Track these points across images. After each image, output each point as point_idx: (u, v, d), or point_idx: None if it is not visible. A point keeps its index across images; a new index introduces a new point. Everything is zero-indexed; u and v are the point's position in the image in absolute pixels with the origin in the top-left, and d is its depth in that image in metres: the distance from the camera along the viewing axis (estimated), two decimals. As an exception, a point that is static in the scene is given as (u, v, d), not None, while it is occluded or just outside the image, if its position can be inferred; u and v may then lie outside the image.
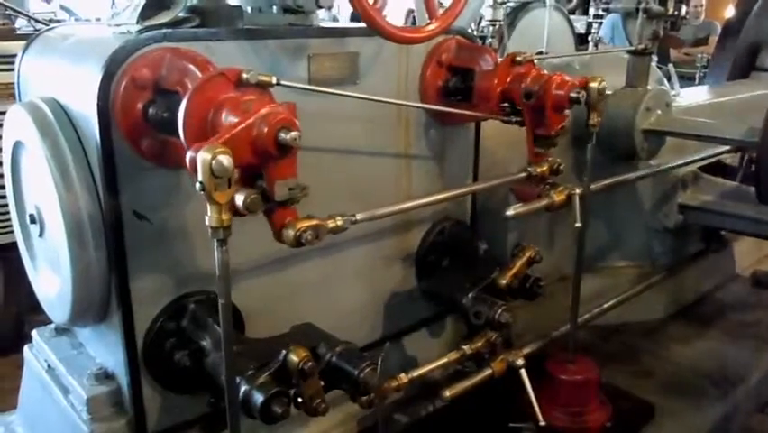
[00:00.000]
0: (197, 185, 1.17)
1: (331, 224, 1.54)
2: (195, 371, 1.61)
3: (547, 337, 2.36)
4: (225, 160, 1.15)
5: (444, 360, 2.01)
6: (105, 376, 1.69)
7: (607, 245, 3.00)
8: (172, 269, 1.61)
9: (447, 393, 1.97)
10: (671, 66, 3.61)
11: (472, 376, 2.04)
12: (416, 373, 1.93)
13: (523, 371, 2.06)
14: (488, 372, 2.05)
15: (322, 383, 1.51)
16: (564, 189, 2.04)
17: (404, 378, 1.89)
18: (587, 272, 2.61)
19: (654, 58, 2.92)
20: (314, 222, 1.44)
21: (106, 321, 1.65)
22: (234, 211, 1.24)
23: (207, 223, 1.21)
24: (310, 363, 1.45)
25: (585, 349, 2.34)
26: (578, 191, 2.06)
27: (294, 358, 1.45)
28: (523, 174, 2.02)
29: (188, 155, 1.18)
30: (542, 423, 2.03)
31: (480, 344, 2.03)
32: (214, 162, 1.14)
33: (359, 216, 1.63)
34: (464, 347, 2.02)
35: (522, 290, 2.07)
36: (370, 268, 2.05)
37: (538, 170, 2.00)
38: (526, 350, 2.18)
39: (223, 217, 1.20)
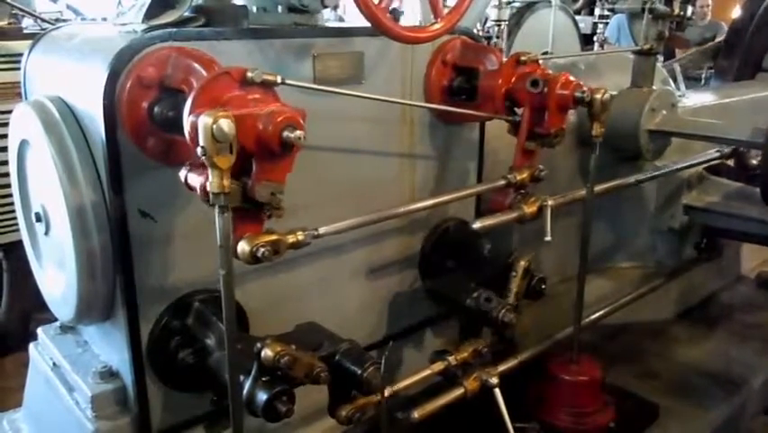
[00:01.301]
0: (198, 150, 1.16)
1: (291, 239, 1.47)
2: (199, 369, 1.61)
3: (551, 338, 2.36)
4: (226, 124, 1.15)
5: (428, 372, 1.95)
6: (110, 374, 1.70)
7: (611, 246, 3.00)
8: (177, 267, 1.62)
9: (416, 414, 1.87)
10: (676, 66, 3.59)
11: (443, 395, 1.95)
12: (397, 387, 1.87)
13: (497, 390, 1.99)
14: (460, 391, 1.97)
15: (312, 361, 1.48)
16: (536, 200, 2.00)
17: (386, 392, 1.83)
18: (591, 273, 2.61)
19: (660, 58, 2.91)
20: (272, 237, 1.40)
21: (111, 319, 1.66)
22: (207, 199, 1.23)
23: (208, 189, 1.20)
24: (286, 358, 1.40)
25: (589, 349, 2.33)
26: (550, 202, 2.01)
27: (269, 353, 1.40)
28: (501, 182, 1.98)
29: (189, 120, 1.18)
30: None
31: (466, 354, 1.99)
32: (215, 126, 1.14)
33: (321, 231, 1.56)
34: (449, 358, 1.96)
35: (526, 290, 2.06)
36: (374, 268, 2.05)
37: (518, 177, 1.96)
38: (502, 367, 2.09)
39: (224, 183, 1.20)
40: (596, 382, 2.21)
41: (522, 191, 2.00)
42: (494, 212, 1.99)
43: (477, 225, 1.90)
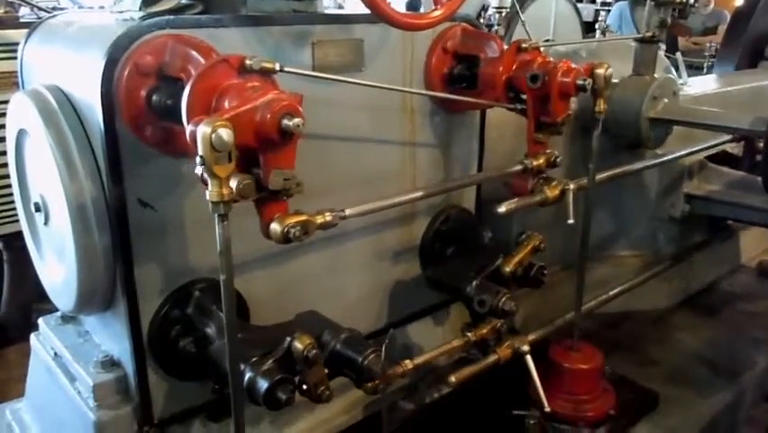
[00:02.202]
0: (198, 159, 1.16)
1: (320, 219, 1.51)
2: (200, 358, 1.61)
3: (551, 326, 2.36)
4: (225, 133, 1.14)
5: (449, 346, 2.00)
6: (111, 364, 1.70)
7: (612, 234, 3.00)
8: (177, 257, 1.61)
9: (453, 378, 1.96)
10: (679, 54, 3.57)
11: (478, 362, 2.03)
12: (420, 360, 1.92)
13: (528, 357, 2.06)
14: (493, 358, 2.05)
15: (326, 371, 1.51)
16: (558, 184, 2.01)
17: (409, 364, 1.88)
18: (592, 261, 2.61)
19: (662, 46, 2.90)
20: (302, 217, 1.42)
21: (112, 309, 1.66)
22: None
23: (208, 198, 1.20)
24: (314, 351, 1.45)
25: (590, 337, 2.33)
26: (572, 186, 2.02)
27: (299, 345, 1.44)
28: (518, 167, 1.98)
29: (189, 129, 1.17)
30: (547, 409, 2.03)
31: (485, 331, 2.02)
32: (214, 136, 1.13)
33: (348, 212, 1.60)
34: (469, 334, 2.02)
35: (526, 278, 2.06)
36: (375, 256, 2.05)
37: (534, 162, 1.97)
38: (532, 336, 2.17)
39: (223, 192, 1.19)
40: (596, 369, 2.22)
41: (543, 176, 2.02)
42: (516, 196, 2.01)
43: (502, 209, 1.92)
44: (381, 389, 1.70)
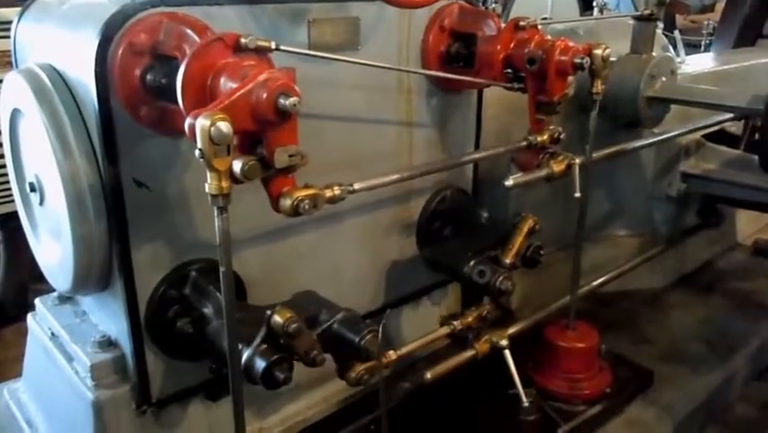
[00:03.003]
0: (197, 152, 1.16)
1: (328, 193, 1.53)
2: (197, 338, 1.62)
3: (548, 306, 2.37)
4: (224, 126, 1.14)
5: (433, 336, 2.00)
6: (109, 343, 1.70)
7: (608, 214, 3.00)
8: (173, 236, 1.61)
9: (428, 375, 1.95)
10: (676, 33, 3.55)
11: (455, 357, 2.02)
12: (403, 351, 1.93)
13: (507, 352, 2.05)
14: (471, 352, 2.03)
15: (314, 336, 1.51)
16: (564, 159, 2.02)
17: (392, 355, 1.89)
18: (588, 241, 2.61)
19: (660, 24, 2.88)
20: (311, 191, 1.43)
21: (109, 289, 1.66)
22: (233, 179, 1.23)
23: (207, 190, 1.20)
24: (294, 325, 1.43)
25: (586, 316, 2.35)
26: (578, 161, 2.03)
27: (279, 319, 1.43)
28: (523, 143, 1.99)
29: (187, 122, 1.17)
30: (525, 404, 2.02)
31: (470, 319, 2.02)
32: (213, 129, 1.13)
33: (357, 186, 1.62)
34: (455, 322, 2.01)
35: (522, 258, 2.06)
36: (372, 236, 2.05)
37: (539, 138, 1.98)
38: (512, 330, 2.16)
39: (222, 185, 1.20)
40: (592, 348, 2.23)
41: (550, 150, 2.01)
42: (523, 171, 2.01)
43: (509, 182, 1.92)
44: (365, 380, 1.70)
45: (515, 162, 2.10)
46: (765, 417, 2.69)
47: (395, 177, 1.81)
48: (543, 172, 2.00)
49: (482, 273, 1.93)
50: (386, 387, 1.87)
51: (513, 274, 1.98)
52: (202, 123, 1.13)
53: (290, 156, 1.29)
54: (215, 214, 1.23)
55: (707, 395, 2.37)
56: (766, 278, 3.18)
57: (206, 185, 1.20)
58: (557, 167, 2.01)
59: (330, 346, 1.56)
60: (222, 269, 1.29)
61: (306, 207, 1.40)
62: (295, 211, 1.39)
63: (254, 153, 1.28)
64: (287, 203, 1.39)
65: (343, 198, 1.57)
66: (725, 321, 2.81)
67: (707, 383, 2.41)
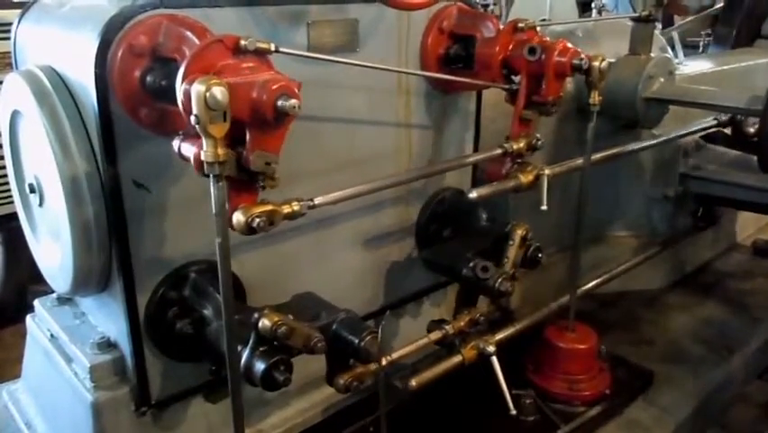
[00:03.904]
0: (192, 118, 1.15)
1: (286, 209, 1.47)
2: (197, 339, 1.62)
3: (547, 307, 2.37)
4: (219, 92, 1.13)
5: (425, 340, 1.97)
6: (108, 345, 1.71)
7: (607, 215, 3.00)
8: (172, 238, 1.61)
9: (413, 382, 1.90)
10: (674, 34, 3.55)
11: (440, 364, 1.98)
12: (395, 355, 1.89)
13: (494, 358, 2.01)
14: (458, 359, 2.00)
15: (307, 326, 1.49)
16: (533, 169, 1.99)
17: (383, 361, 1.83)
18: (587, 242, 2.61)
19: (658, 25, 2.88)
20: (267, 207, 1.39)
21: (108, 290, 1.66)
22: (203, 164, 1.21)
23: (203, 158, 1.19)
24: (283, 328, 1.41)
25: (585, 317, 2.35)
26: (546, 171, 2.00)
27: (267, 323, 1.41)
28: (498, 151, 1.96)
29: (182, 87, 1.16)
30: (513, 412, 2.00)
31: (462, 323, 2.00)
32: (208, 94, 1.13)
33: (317, 201, 1.55)
34: (446, 327, 1.99)
35: (522, 259, 2.06)
36: (371, 238, 2.05)
37: (515, 146, 1.94)
38: (500, 335, 2.12)
39: (219, 152, 1.19)
40: (591, 349, 2.23)
41: (519, 160, 1.98)
42: (491, 181, 1.98)
43: (473, 194, 1.89)
44: (354, 387, 1.68)
45: (484, 171, 2.05)
46: (765, 417, 2.70)
47: (359, 189, 1.71)
48: (510, 184, 1.96)
49: (485, 269, 1.90)
50: (388, 387, 1.87)
51: (514, 278, 1.97)
52: (198, 88, 1.13)
53: (267, 163, 1.28)
54: (211, 183, 1.22)
55: (706, 395, 2.37)
56: (765, 278, 3.18)
57: (202, 153, 1.19)
58: (525, 178, 1.97)
59: (329, 348, 1.56)
60: (218, 240, 1.26)
61: (261, 223, 1.36)
62: (248, 228, 1.35)
63: (234, 150, 1.26)
64: (241, 219, 1.34)
65: (303, 213, 1.51)
66: (724, 322, 2.81)
67: (706, 384, 2.41)
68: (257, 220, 1.35)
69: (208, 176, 1.22)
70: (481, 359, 2.01)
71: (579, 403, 2.18)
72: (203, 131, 1.16)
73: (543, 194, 1.97)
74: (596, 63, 1.90)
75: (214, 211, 1.24)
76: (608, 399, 2.21)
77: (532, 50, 1.85)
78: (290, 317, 1.45)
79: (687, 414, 2.26)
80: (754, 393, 2.77)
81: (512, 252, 2.00)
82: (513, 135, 1.97)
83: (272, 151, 1.28)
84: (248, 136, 1.26)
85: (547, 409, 2.13)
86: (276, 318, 1.41)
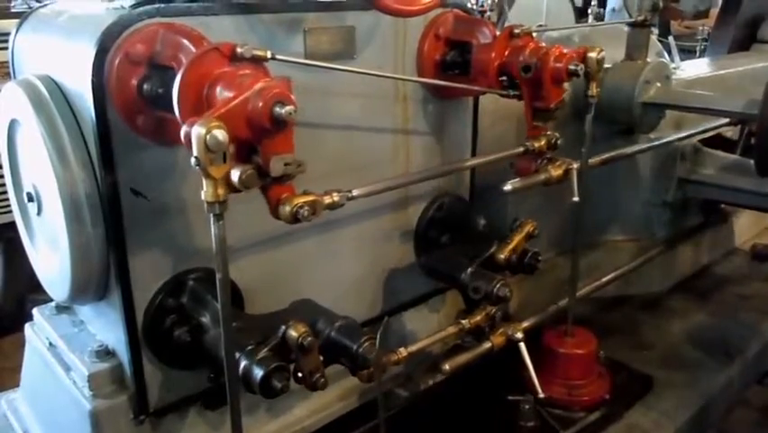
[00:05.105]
0: (192, 160, 1.16)
1: (327, 200, 1.54)
2: (195, 347, 1.62)
3: (546, 311, 2.37)
4: (220, 134, 1.14)
5: (444, 333, 2.02)
6: (106, 353, 1.70)
7: (606, 219, 3.00)
8: (171, 246, 1.61)
9: (446, 366, 1.97)
10: (671, 39, 3.57)
11: (472, 350, 2.04)
12: (415, 348, 1.94)
13: (522, 344, 2.07)
14: (487, 345, 2.05)
15: (321, 358, 1.51)
16: (562, 164, 2.04)
17: (403, 352, 1.90)
18: (586, 247, 2.62)
19: (655, 30, 2.89)
20: (310, 198, 1.44)
21: (106, 298, 1.66)
22: (231, 187, 1.24)
23: (203, 198, 1.21)
24: (309, 339, 1.45)
25: (584, 322, 2.35)
26: (575, 166, 2.05)
27: (293, 333, 1.45)
28: (520, 149, 2.01)
29: (183, 130, 1.18)
30: (541, 395, 2.04)
31: (479, 318, 2.03)
32: (208, 137, 1.13)
33: (355, 192, 1.63)
34: (463, 321, 2.02)
35: (520, 265, 2.07)
36: (369, 244, 2.05)
37: (536, 144, 1.99)
38: (526, 324, 2.18)
39: (219, 192, 1.20)
40: (590, 354, 2.23)
41: (547, 156, 2.04)
42: (521, 177, 2.03)
43: (508, 187, 1.94)
44: (376, 377, 1.70)
45: (513, 168, 2.11)
46: (764, 421, 2.70)
47: (395, 182, 1.83)
48: (541, 177, 2.02)
49: (477, 290, 1.95)
50: (386, 393, 1.88)
51: (508, 278, 1.98)
52: (198, 130, 1.14)
53: (286, 164, 1.30)
54: (212, 221, 1.24)
55: (706, 400, 2.36)
56: (764, 282, 3.18)
57: (202, 193, 1.21)
58: (555, 172, 2.03)
59: (328, 354, 1.56)
60: (218, 276, 1.29)
61: (306, 213, 1.41)
62: (294, 218, 1.40)
63: (251, 162, 1.29)
64: (286, 210, 1.39)
65: (342, 204, 1.58)
66: (723, 326, 2.80)
67: (706, 389, 2.40)
68: (302, 210, 1.40)
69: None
70: (510, 345, 2.08)
71: (578, 408, 2.17)
72: (203, 173, 1.18)
73: (573, 186, 2.04)
74: (592, 54, 1.91)
75: (214, 249, 1.26)
76: (608, 404, 2.20)
77: (526, 69, 1.86)
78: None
79: (686, 419, 2.26)
80: (753, 398, 2.76)
81: (515, 239, 2.05)
82: (531, 137, 2.01)
83: (286, 151, 1.30)
84: (259, 148, 1.28)
85: (546, 414, 2.13)
86: (303, 330, 1.45)
